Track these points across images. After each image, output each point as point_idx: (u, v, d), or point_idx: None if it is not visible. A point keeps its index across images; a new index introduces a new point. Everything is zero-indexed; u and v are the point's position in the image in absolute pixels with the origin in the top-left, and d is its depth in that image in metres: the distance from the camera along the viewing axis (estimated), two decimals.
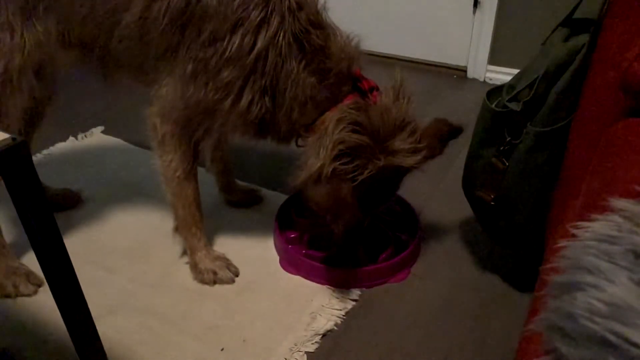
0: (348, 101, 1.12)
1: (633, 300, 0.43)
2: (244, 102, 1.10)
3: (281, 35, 1.05)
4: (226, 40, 1.04)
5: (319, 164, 1.05)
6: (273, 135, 1.21)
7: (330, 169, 1.04)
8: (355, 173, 1.06)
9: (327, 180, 1.05)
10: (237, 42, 1.04)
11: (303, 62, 1.09)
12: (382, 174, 1.09)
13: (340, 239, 1.30)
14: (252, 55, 1.05)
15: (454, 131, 1.25)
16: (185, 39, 1.08)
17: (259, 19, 1.03)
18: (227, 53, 1.05)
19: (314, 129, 1.13)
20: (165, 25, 1.07)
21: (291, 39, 1.06)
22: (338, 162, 1.05)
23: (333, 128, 1.06)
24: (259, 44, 1.04)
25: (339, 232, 1.28)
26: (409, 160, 1.09)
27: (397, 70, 1.15)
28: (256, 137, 1.22)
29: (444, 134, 1.23)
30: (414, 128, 1.12)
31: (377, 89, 1.16)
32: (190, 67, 1.09)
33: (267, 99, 1.10)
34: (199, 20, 1.05)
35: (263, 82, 1.08)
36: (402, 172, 1.15)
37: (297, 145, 1.20)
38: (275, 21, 1.04)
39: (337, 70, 1.12)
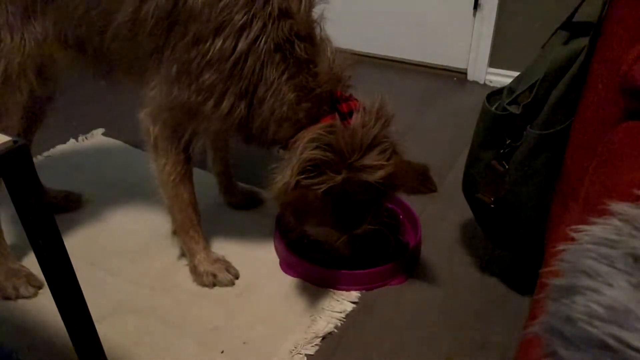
0: (325, 122, 1.13)
1: (632, 303, 0.43)
2: (225, 105, 1.10)
3: (262, 40, 1.05)
4: (209, 43, 1.04)
5: (283, 182, 1.09)
6: (254, 140, 1.21)
7: (294, 182, 1.07)
8: (320, 186, 1.08)
9: (292, 191, 1.09)
10: (219, 45, 1.04)
11: (286, 74, 1.09)
12: (351, 190, 1.11)
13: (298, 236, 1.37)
14: (232, 59, 1.05)
15: (428, 185, 1.17)
16: (171, 40, 1.08)
17: (241, 22, 1.03)
18: (209, 55, 1.05)
19: (290, 147, 1.14)
20: (153, 26, 1.07)
21: (272, 47, 1.06)
22: (302, 177, 1.08)
23: (303, 148, 1.09)
24: (239, 48, 1.04)
25: (296, 233, 1.33)
26: (372, 176, 1.10)
27: (379, 93, 1.15)
28: (243, 142, 1.22)
29: (419, 179, 1.16)
30: (384, 148, 1.13)
31: (359, 110, 1.15)
32: (174, 68, 1.09)
33: (243, 103, 1.10)
34: (184, 21, 1.05)
35: (240, 85, 1.08)
36: (375, 192, 1.14)
37: (278, 154, 1.21)
38: (256, 26, 1.04)
39: (320, 92, 1.12)
